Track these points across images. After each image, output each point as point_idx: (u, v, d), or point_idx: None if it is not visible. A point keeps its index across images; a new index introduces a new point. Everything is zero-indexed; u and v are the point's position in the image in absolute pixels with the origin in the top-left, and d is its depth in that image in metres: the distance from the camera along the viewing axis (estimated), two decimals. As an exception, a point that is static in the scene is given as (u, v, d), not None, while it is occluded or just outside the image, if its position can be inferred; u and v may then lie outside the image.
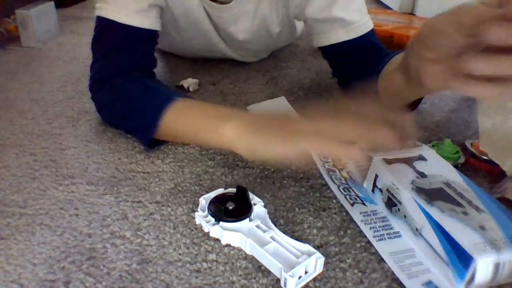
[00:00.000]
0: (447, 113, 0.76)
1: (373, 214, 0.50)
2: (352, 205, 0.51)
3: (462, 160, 0.58)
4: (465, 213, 0.42)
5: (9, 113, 0.76)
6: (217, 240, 0.46)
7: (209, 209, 0.48)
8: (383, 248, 0.45)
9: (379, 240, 0.46)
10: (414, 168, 0.49)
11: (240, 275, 0.42)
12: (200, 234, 0.47)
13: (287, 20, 0.86)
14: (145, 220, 0.50)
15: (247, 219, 0.47)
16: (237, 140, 0.51)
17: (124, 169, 0.59)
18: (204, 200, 0.50)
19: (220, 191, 0.51)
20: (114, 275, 0.42)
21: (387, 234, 0.47)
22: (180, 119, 0.59)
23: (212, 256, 0.44)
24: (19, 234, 0.48)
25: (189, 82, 0.85)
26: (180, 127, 0.59)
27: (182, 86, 0.86)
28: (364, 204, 0.51)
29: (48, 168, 0.60)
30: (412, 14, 1.43)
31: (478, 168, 0.59)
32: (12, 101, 0.81)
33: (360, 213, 0.50)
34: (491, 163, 0.56)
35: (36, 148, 0.65)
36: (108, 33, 0.67)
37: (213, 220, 0.47)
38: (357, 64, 0.73)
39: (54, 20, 1.21)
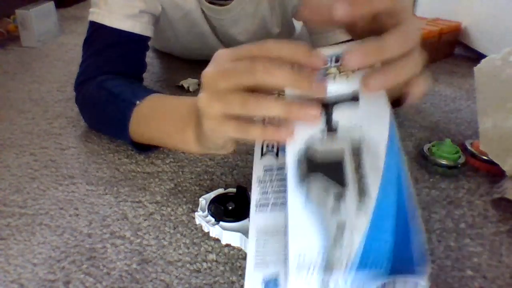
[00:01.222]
0: (447, 113, 0.76)
1: (277, 171, 0.38)
2: (262, 155, 0.40)
3: (462, 160, 0.58)
4: (337, 198, 0.30)
5: (9, 113, 0.76)
6: (217, 240, 0.46)
7: (209, 209, 0.48)
8: (257, 222, 0.35)
9: (259, 210, 0.36)
10: (328, 114, 0.34)
11: (240, 275, 0.42)
12: (200, 234, 0.47)
13: (286, 21, 0.86)
14: (145, 220, 0.50)
15: (247, 219, 0.47)
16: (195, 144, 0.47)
17: (124, 169, 0.59)
18: (204, 200, 0.50)
19: (220, 191, 0.51)
20: (114, 275, 0.42)
21: (273, 204, 0.36)
22: (144, 126, 0.56)
23: (212, 256, 0.44)
24: (19, 234, 0.48)
25: (189, 82, 0.85)
26: (147, 134, 0.57)
27: (182, 86, 0.86)
28: (276, 156, 0.39)
29: (48, 168, 0.59)
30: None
31: (478, 168, 0.59)
32: (12, 101, 0.81)
33: (264, 167, 0.38)
34: (491, 163, 0.56)
35: (36, 148, 0.65)
36: (98, 36, 0.67)
37: (213, 220, 0.47)
38: None
39: (54, 20, 1.21)
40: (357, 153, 0.31)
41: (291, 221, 0.29)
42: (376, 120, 0.32)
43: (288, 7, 0.80)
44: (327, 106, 0.33)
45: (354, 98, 0.33)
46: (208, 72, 0.35)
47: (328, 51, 0.33)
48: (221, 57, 0.35)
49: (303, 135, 0.33)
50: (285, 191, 0.32)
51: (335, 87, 0.33)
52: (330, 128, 0.33)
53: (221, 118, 0.35)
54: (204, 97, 0.36)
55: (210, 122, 0.36)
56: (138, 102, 0.56)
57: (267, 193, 0.36)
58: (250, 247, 0.33)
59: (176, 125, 0.49)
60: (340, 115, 0.33)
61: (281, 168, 0.37)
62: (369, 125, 0.32)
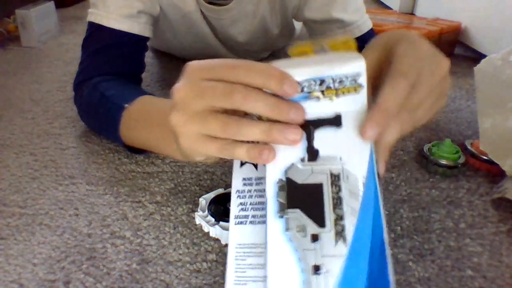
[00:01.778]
0: (447, 113, 0.76)
1: (256, 183, 0.37)
2: (242, 165, 0.39)
3: (462, 160, 0.58)
4: (314, 240, 0.30)
5: (9, 113, 0.76)
6: (217, 240, 0.46)
7: (209, 209, 0.48)
8: (236, 235, 0.35)
9: (238, 223, 0.35)
10: (310, 140, 0.32)
11: (240, 275, 0.42)
12: (200, 234, 0.47)
13: (286, 21, 0.86)
14: (145, 220, 0.50)
15: None
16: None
17: (124, 169, 0.59)
18: (204, 200, 0.50)
19: (220, 191, 0.51)
20: (114, 275, 0.42)
21: (252, 216, 0.35)
22: (134, 131, 0.55)
23: (212, 256, 0.44)
24: (19, 234, 0.48)
25: (189, 82, 0.85)
26: (137, 139, 0.56)
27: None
28: (255, 167, 0.38)
29: (48, 168, 0.59)
30: (412, 14, 1.43)
31: (478, 168, 0.59)
32: (12, 101, 0.81)
33: (243, 179, 0.38)
34: (491, 163, 0.56)
35: (36, 148, 0.65)
36: (96, 37, 0.67)
37: (213, 220, 0.47)
38: None
39: (54, 20, 1.21)
40: (336, 190, 0.31)
41: (270, 255, 0.30)
42: (357, 152, 0.31)
43: (289, 7, 0.80)
44: (309, 129, 0.32)
45: (336, 123, 0.32)
46: (180, 89, 0.33)
47: (308, 72, 0.31)
48: (193, 72, 0.33)
49: (283, 162, 0.32)
50: (263, 208, 0.32)
51: (318, 110, 0.32)
52: (310, 157, 0.32)
53: (200, 138, 0.33)
54: (177, 116, 0.34)
55: (187, 142, 0.34)
56: (126, 105, 0.55)
57: (246, 206, 0.36)
58: (230, 261, 0.33)
59: (163, 133, 0.46)
60: (321, 142, 0.32)
61: (260, 179, 0.36)
62: (348, 157, 0.31)
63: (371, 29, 0.75)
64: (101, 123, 0.62)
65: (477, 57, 1.01)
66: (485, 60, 0.57)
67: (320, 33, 0.76)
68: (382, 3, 1.64)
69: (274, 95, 0.31)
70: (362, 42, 0.79)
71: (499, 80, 0.54)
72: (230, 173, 0.58)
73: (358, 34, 0.73)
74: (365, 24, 0.74)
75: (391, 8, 1.54)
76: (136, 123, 0.55)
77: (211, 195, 0.50)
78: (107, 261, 0.44)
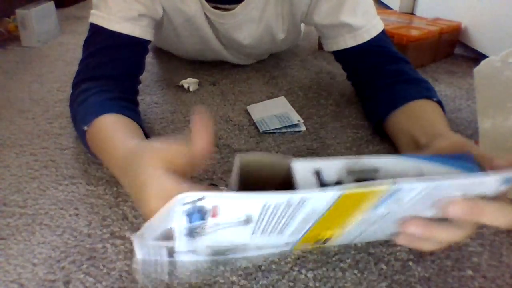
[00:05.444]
0: (447, 113, 0.76)
1: None
2: None
3: (462, 160, 0.58)
4: None
5: (9, 113, 0.76)
6: (217, 240, 0.46)
7: None
8: None
9: None
10: None
11: (240, 275, 0.42)
12: (200, 234, 0.47)
13: (293, 27, 0.85)
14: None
15: None
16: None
17: (124, 169, 0.59)
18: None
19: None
20: (114, 275, 0.42)
21: None
22: (99, 155, 0.54)
23: (212, 256, 0.45)
24: (19, 234, 0.48)
25: (189, 82, 0.85)
26: (100, 157, 0.54)
27: (182, 86, 0.86)
28: None
29: (48, 168, 0.60)
30: (412, 14, 1.44)
31: (478, 168, 0.59)
32: (12, 101, 0.81)
33: None
34: (491, 163, 0.56)
35: (36, 148, 0.65)
36: (97, 38, 0.67)
37: None
38: (367, 69, 0.72)
39: (54, 20, 1.21)
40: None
41: None
42: None
43: (297, 13, 0.80)
44: None
45: None
46: None
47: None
48: None
49: None
50: None
51: None
52: None
53: None
54: None
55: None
56: (86, 128, 0.55)
57: None
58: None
59: (114, 171, 0.47)
60: None
61: None
62: None
63: (382, 31, 0.73)
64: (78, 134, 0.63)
65: (477, 57, 1.01)
66: (485, 61, 0.57)
67: (330, 37, 0.75)
68: (382, 3, 1.64)
69: None
70: (371, 47, 0.77)
71: (499, 82, 0.54)
72: (231, 173, 0.58)
73: (367, 38, 0.72)
74: (375, 28, 0.72)
75: (391, 8, 1.54)
76: (95, 149, 0.55)
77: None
78: (107, 261, 0.44)
